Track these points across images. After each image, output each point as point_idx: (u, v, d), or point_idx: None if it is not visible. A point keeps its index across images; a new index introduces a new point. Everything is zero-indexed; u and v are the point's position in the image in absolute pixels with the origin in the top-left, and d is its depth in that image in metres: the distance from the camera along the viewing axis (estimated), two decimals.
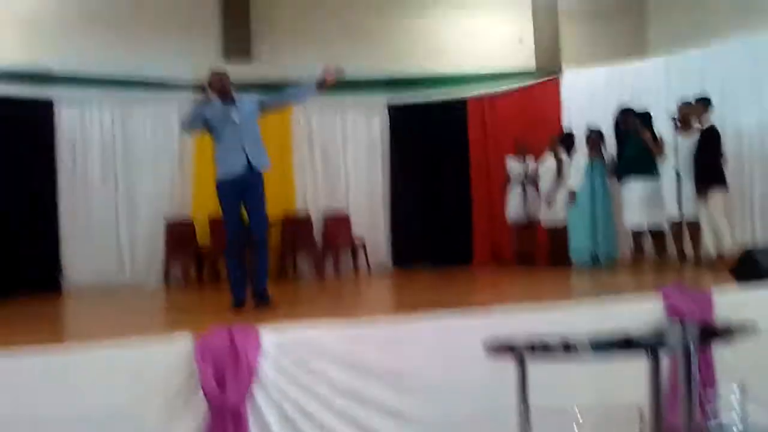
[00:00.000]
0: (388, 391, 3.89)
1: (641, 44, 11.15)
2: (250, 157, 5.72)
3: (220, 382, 3.50)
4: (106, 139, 9.54)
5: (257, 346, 3.67)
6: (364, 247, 10.24)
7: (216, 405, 3.46)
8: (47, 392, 3.32)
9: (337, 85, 6.08)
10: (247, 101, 5.95)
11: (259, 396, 3.65)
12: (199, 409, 3.52)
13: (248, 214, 5.82)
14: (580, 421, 2.80)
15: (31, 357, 3.42)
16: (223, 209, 5.86)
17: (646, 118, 8.52)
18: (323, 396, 3.79)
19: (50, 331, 5.22)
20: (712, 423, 2.78)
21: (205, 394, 3.46)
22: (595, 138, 8.98)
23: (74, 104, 9.39)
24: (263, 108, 6.04)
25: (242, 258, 5.91)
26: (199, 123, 5.85)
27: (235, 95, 5.92)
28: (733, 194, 8.10)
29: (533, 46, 11.37)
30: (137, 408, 3.42)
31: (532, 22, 11.38)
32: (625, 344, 3.23)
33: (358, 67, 10.39)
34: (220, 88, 5.82)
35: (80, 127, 9.44)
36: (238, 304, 5.74)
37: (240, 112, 5.81)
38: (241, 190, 5.72)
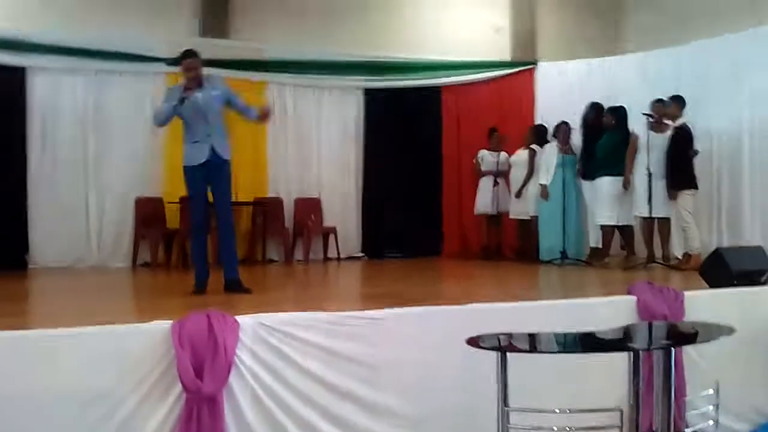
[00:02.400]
0: (363, 383, 3.91)
1: (618, 40, 11.27)
2: (215, 146, 5.78)
3: (198, 370, 3.48)
4: (78, 111, 9.34)
5: (236, 334, 3.66)
6: (335, 234, 10.23)
7: (193, 392, 3.44)
8: (23, 374, 3.29)
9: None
10: (214, 88, 5.94)
11: (235, 384, 3.64)
12: (175, 394, 3.51)
13: (213, 197, 5.90)
14: (557, 421, 2.84)
15: (6, 339, 3.37)
16: (188, 192, 5.95)
17: (621, 112, 8.61)
18: (299, 386, 3.80)
19: (21, 313, 5.13)
20: (686, 430, 2.82)
21: (182, 382, 3.44)
22: (564, 131, 9.06)
23: (47, 73, 9.20)
24: (228, 103, 6.02)
25: (206, 241, 6.00)
26: (171, 118, 5.84)
27: (205, 80, 5.91)
28: (701, 194, 8.23)
29: (509, 36, 11.43)
30: (114, 393, 3.40)
31: (509, 13, 11.44)
32: (604, 344, 3.31)
33: (335, 48, 10.40)
34: (194, 74, 5.78)
35: (52, 97, 9.24)
36: (199, 287, 5.81)
37: (205, 98, 5.79)
38: (207, 174, 5.80)
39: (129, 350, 3.48)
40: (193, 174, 5.80)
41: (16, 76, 9.03)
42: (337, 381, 3.86)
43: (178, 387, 3.47)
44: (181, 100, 5.67)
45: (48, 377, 3.30)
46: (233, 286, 5.81)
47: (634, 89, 9.53)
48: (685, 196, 7.83)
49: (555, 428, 2.80)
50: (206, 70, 8.92)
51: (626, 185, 8.15)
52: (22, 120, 9.05)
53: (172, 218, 9.42)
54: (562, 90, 10.59)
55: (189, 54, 5.88)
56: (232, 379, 3.61)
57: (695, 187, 7.94)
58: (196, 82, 5.78)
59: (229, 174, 5.99)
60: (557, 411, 2.84)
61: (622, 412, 2.66)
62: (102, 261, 9.27)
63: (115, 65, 9.35)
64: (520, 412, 2.82)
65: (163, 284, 7.68)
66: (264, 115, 6.19)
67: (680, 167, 7.85)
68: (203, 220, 5.89)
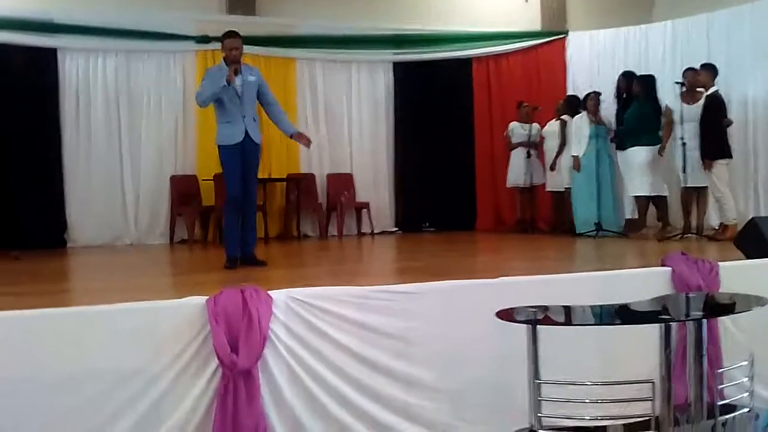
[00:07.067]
0: (396, 356, 3.92)
1: (647, 8, 11.07)
2: (248, 128, 5.91)
3: (233, 345, 3.53)
4: (109, 91, 9.46)
5: (269, 309, 3.70)
6: (368, 208, 10.26)
7: (229, 367, 3.49)
8: (61, 352, 3.35)
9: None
10: (251, 72, 6.06)
11: (270, 358, 3.68)
12: (211, 370, 3.56)
13: (243, 177, 6.00)
14: (588, 393, 2.84)
15: (44, 317, 3.44)
16: (224, 168, 6.05)
17: (649, 82, 8.48)
18: (332, 359, 3.83)
19: (59, 291, 5.24)
20: (720, 401, 2.81)
21: (218, 357, 3.49)
22: (594, 101, 8.95)
23: (78, 53, 9.32)
24: (260, 93, 6.10)
25: (239, 218, 6.09)
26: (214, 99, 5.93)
27: (242, 64, 6.01)
28: (737, 163, 8.11)
29: (539, 6, 11.29)
30: (151, 369, 3.46)
31: None
32: (638, 316, 3.30)
33: (364, 22, 10.36)
34: (236, 54, 5.86)
35: (83, 77, 9.36)
36: (232, 263, 5.93)
37: (243, 81, 5.90)
38: (241, 153, 5.94)
39: (164, 326, 3.53)
40: (229, 153, 5.93)
41: (48, 57, 9.16)
42: (370, 354, 3.88)
43: (214, 362, 3.52)
44: (228, 84, 5.76)
45: (84, 354, 3.35)
46: (250, 260, 6.02)
47: (665, 58, 9.38)
48: (719, 166, 7.71)
49: (586, 400, 2.81)
50: None
51: (661, 152, 8.05)
52: (56, 101, 9.19)
53: (207, 195, 9.52)
54: (593, 60, 10.48)
55: (231, 33, 5.97)
56: (267, 353, 3.65)
57: (729, 156, 7.81)
58: (237, 63, 5.86)
59: (259, 157, 6.16)
60: (588, 383, 2.84)
61: (654, 384, 2.65)
62: (139, 239, 9.43)
63: (144, 44, 9.45)
64: (551, 384, 2.83)
65: (199, 260, 7.77)
66: (302, 138, 6.31)
67: (713, 136, 7.72)
68: (240, 196, 5.97)
